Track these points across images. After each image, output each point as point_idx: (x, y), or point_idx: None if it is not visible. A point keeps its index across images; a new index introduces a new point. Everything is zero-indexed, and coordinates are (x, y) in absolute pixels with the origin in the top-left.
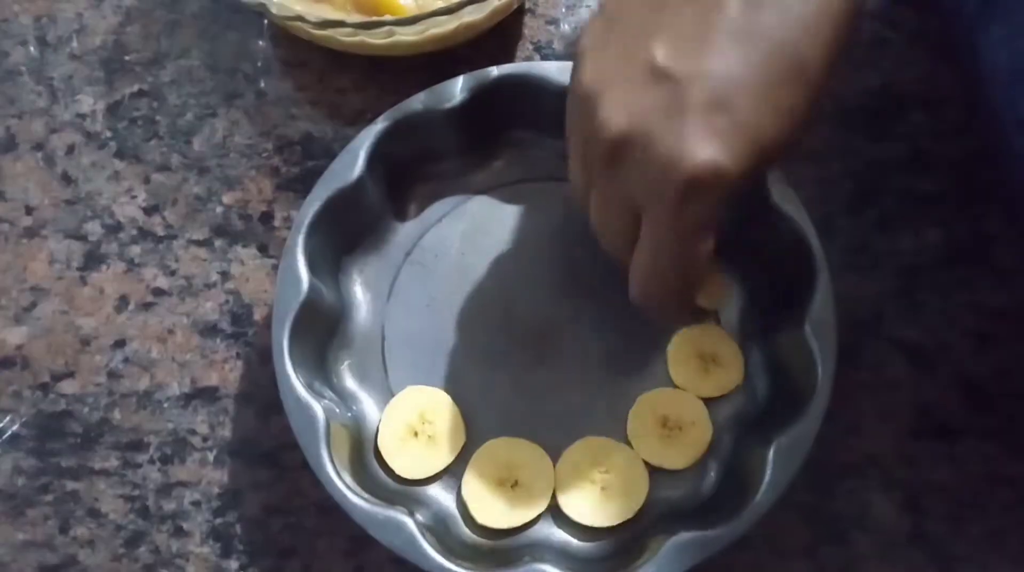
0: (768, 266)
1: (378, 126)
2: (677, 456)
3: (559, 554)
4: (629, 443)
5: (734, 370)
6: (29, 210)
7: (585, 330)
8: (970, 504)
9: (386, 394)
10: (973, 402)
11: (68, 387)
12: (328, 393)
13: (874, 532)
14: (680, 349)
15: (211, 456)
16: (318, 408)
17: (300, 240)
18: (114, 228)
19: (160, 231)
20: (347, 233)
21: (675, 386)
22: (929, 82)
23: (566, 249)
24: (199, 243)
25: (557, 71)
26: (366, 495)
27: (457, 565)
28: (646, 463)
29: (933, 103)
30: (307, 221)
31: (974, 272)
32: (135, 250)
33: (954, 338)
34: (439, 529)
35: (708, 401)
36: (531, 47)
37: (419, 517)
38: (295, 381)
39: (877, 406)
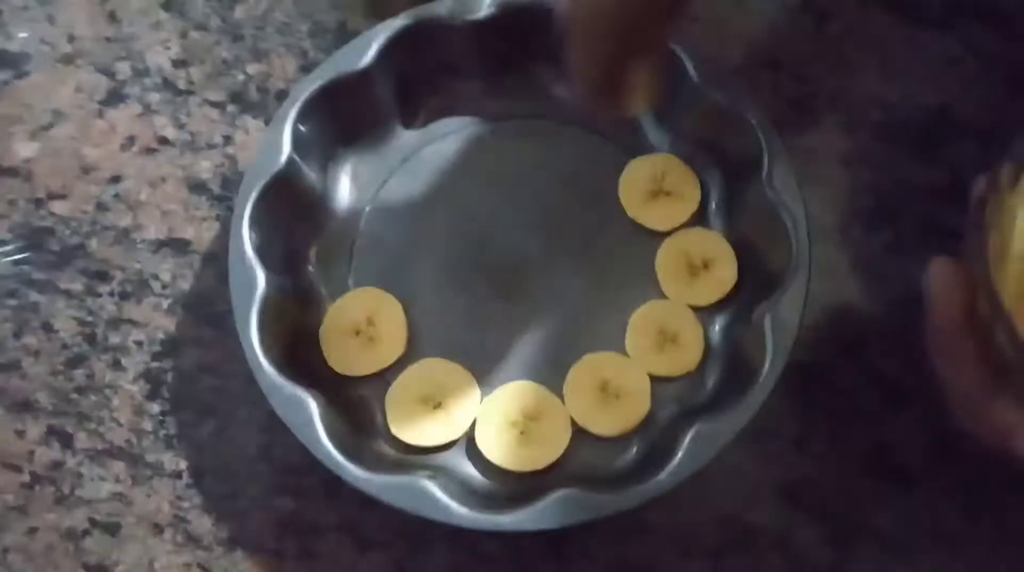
0: (754, 253)
1: (397, 22)
2: (607, 423)
3: (458, 483)
4: (562, 398)
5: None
6: (71, 39)
7: (552, 278)
8: (902, 558)
9: (343, 290)
10: (938, 454)
11: (58, 207)
12: (283, 270)
13: (789, 557)
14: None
15: (165, 304)
16: (260, 273)
17: (292, 113)
18: (141, 72)
19: (182, 85)
20: (347, 123)
21: (626, 353)
22: (991, 112)
23: (559, 198)
24: (213, 104)
25: None
26: (281, 370)
27: (345, 458)
28: (574, 422)
29: (989, 136)
30: (303, 96)
31: None
32: (154, 97)
33: (937, 383)
34: (349, 428)
35: (656, 379)
36: None
37: (333, 410)
38: (246, 242)
39: (833, 432)
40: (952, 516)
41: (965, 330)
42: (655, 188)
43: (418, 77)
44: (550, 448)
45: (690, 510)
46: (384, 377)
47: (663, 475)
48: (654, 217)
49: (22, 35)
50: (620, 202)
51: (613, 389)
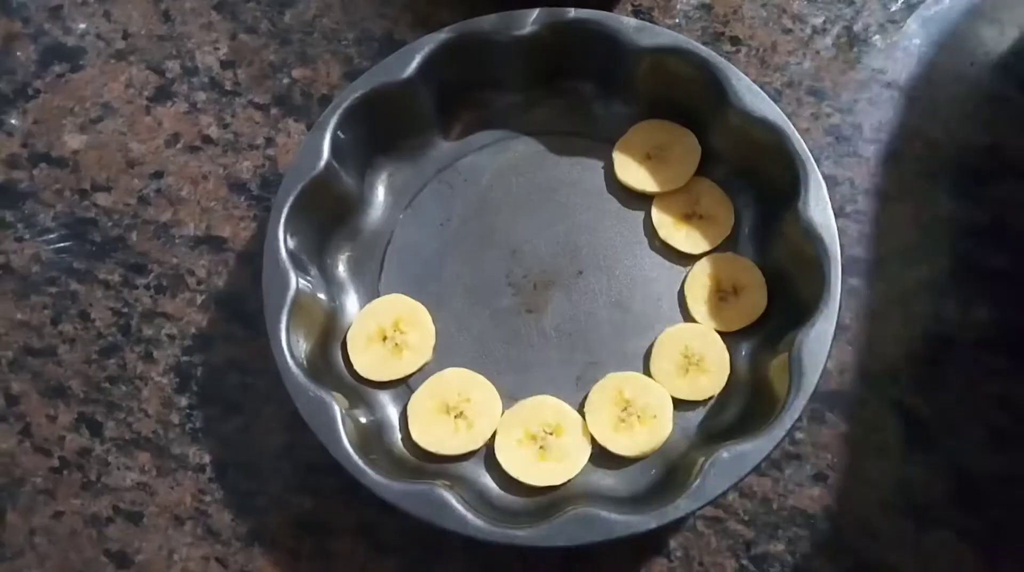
0: (785, 282)
1: (441, 35)
2: (627, 444)
3: (475, 494)
4: (583, 415)
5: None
6: (126, 35)
7: (579, 295)
8: None
9: (372, 295)
10: (962, 496)
11: (102, 199)
12: (315, 273)
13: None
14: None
15: (199, 299)
16: (292, 275)
17: (333, 119)
18: (191, 71)
19: (228, 86)
20: (387, 132)
21: (650, 375)
22: None
23: (592, 215)
24: (257, 106)
25: (633, 29)
26: (307, 371)
27: (365, 462)
28: (593, 440)
29: None
30: (345, 103)
31: (1012, 364)
32: (201, 96)
33: (965, 424)
34: (370, 430)
35: (679, 403)
36: (631, 6)
37: (356, 413)
38: (281, 243)
39: (856, 466)
40: (971, 560)
41: None
42: (689, 211)
43: (459, 90)
44: (568, 464)
45: (706, 536)
46: (408, 384)
47: (681, 500)
48: (686, 240)
49: (80, 29)
50: (652, 223)
51: (635, 410)
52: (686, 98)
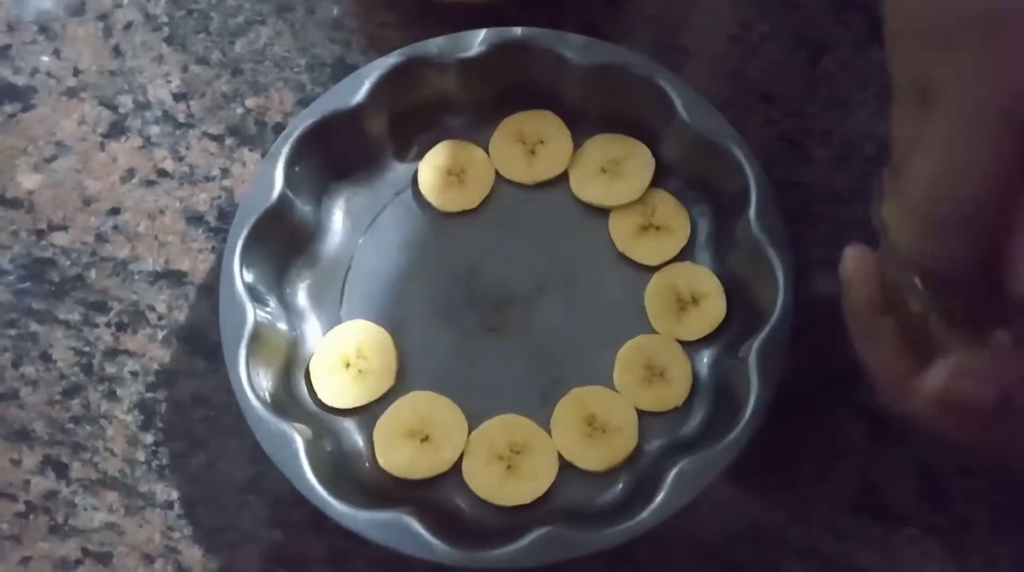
0: (743, 288)
1: (390, 59)
2: (594, 458)
3: (444, 517)
4: (550, 432)
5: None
6: (77, 72)
7: (540, 312)
8: None
9: (334, 322)
10: (926, 492)
11: (59, 239)
12: (274, 303)
13: None
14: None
15: (160, 334)
16: (249, 307)
17: (285, 149)
18: (143, 105)
19: (182, 118)
20: (341, 157)
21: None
22: None
23: (549, 232)
24: (212, 137)
25: (580, 47)
26: (268, 403)
27: (330, 493)
28: (561, 456)
29: None
30: (296, 132)
31: None
32: (154, 130)
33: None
34: (337, 459)
35: (644, 414)
36: (581, 19)
37: (322, 442)
38: (237, 276)
39: (819, 468)
40: (938, 555)
41: (880, 307)
42: (645, 223)
43: (411, 111)
44: (536, 482)
45: (676, 545)
46: (372, 409)
47: (645, 514)
48: (643, 251)
49: (30, 67)
50: (610, 236)
51: (600, 424)
52: (636, 112)
